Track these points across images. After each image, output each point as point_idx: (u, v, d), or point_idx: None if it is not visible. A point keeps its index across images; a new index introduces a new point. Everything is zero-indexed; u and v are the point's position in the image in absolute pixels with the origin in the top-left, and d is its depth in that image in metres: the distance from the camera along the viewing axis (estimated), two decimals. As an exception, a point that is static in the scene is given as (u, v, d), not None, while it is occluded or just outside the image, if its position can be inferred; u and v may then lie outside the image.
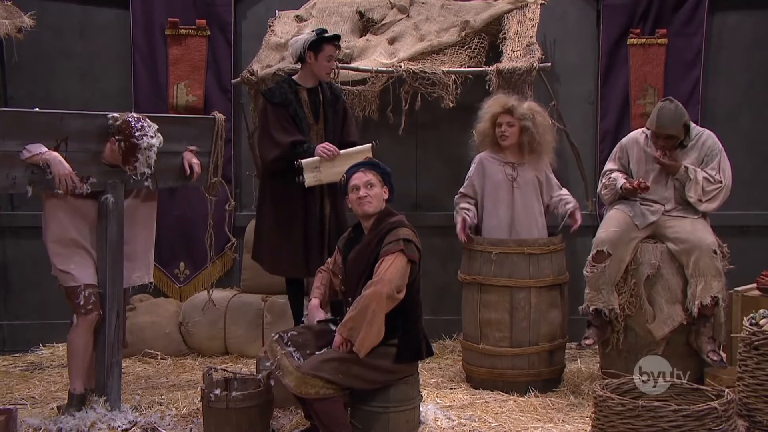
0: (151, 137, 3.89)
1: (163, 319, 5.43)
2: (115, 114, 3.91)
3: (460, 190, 4.85)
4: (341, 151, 4.46)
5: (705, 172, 4.43)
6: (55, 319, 5.40)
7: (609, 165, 4.69)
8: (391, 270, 3.47)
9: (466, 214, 4.72)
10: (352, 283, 3.71)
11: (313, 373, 3.44)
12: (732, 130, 5.76)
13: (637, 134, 4.65)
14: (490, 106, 4.74)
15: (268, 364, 3.72)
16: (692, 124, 4.53)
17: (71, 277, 3.96)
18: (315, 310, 3.82)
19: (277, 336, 3.67)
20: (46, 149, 3.75)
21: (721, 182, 4.43)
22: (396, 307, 3.52)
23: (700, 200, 4.41)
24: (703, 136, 4.52)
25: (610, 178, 4.61)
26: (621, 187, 4.50)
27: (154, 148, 3.91)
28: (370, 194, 3.69)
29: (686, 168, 4.42)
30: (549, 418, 4.14)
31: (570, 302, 4.80)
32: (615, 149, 4.72)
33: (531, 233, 4.70)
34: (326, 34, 4.54)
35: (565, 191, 4.88)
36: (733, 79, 5.78)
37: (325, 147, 4.43)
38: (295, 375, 3.46)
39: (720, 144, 4.52)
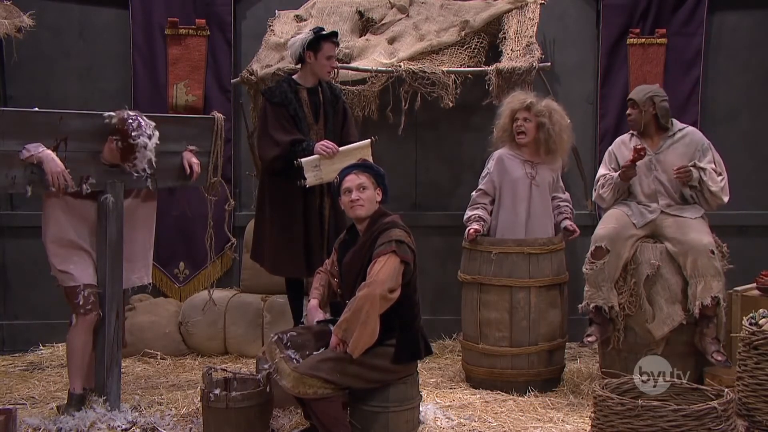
0: (149, 135, 3.90)
1: (162, 319, 5.42)
2: (111, 113, 3.91)
3: (480, 186, 4.82)
4: (340, 148, 4.46)
5: (706, 165, 4.46)
6: (54, 319, 5.39)
7: (601, 171, 4.72)
8: (384, 271, 3.47)
9: (479, 223, 4.70)
10: (348, 285, 3.71)
11: (311, 373, 3.44)
12: (731, 129, 5.77)
13: (623, 137, 4.73)
14: (509, 102, 4.76)
15: (266, 366, 3.72)
16: (675, 120, 4.64)
17: (70, 277, 3.96)
18: (314, 311, 3.82)
19: (276, 337, 3.67)
20: (44, 148, 3.75)
21: (722, 173, 4.50)
22: (393, 307, 3.52)
23: (720, 190, 4.44)
24: (689, 131, 4.60)
25: (605, 177, 4.64)
26: (619, 171, 4.50)
27: (152, 146, 3.92)
28: (362, 197, 3.67)
29: (693, 165, 4.43)
30: (548, 418, 4.14)
31: (569, 302, 4.80)
32: (604, 157, 4.75)
33: (546, 231, 4.73)
34: (324, 32, 4.54)
35: (566, 197, 4.91)
36: (732, 78, 5.79)
37: (324, 144, 4.43)
38: (292, 376, 3.46)
39: (705, 138, 4.60)
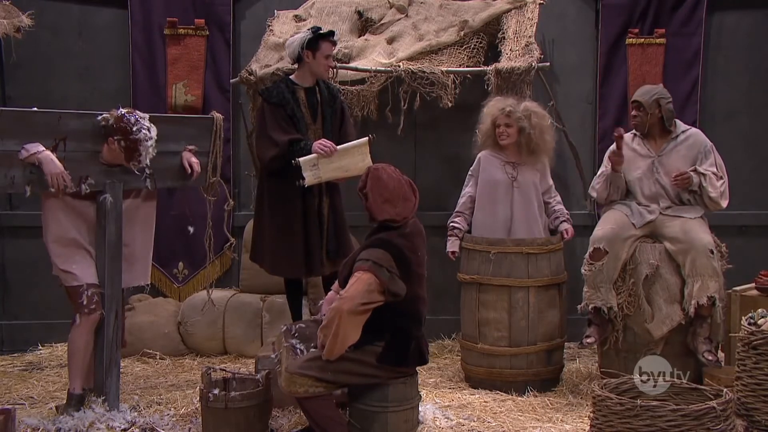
0: (147, 128, 3.91)
1: (161, 319, 5.42)
2: (105, 114, 3.91)
3: (467, 190, 4.88)
4: (338, 147, 4.45)
5: (707, 170, 4.45)
6: (53, 319, 5.40)
7: (601, 168, 4.71)
8: (356, 287, 3.44)
9: (455, 241, 4.87)
10: (341, 285, 3.72)
11: (300, 372, 3.46)
12: (730, 129, 5.77)
13: (626, 136, 4.65)
14: (488, 109, 4.77)
15: (273, 356, 3.75)
16: (679, 121, 4.62)
17: (73, 277, 3.96)
18: (327, 304, 3.83)
19: (285, 327, 3.74)
20: (43, 148, 3.75)
21: (723, 177, 4.49)
22: (386, 314, 3.51)
23: (720, 195, 4.44)
24: (692, 133, 4.58)
25: (600, 174, 4.66)
26: (609, 156, 4.51)
27: (153, 139, 3.92)
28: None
29: (694, 170, 4.43)
30: (548, 418, 4.14)
31: (568, 302, 4.80)
32: (604, 158, 4.72)
33: (531, 232, 4.71)
34: (322, 31, 4.54)
35: (558, 199, 4.91)
36: (731, 78, 5.79)
37: (322, 143, 4.42)
38: (284, 375, 3.49)
39: (708, 140, 4.59)
